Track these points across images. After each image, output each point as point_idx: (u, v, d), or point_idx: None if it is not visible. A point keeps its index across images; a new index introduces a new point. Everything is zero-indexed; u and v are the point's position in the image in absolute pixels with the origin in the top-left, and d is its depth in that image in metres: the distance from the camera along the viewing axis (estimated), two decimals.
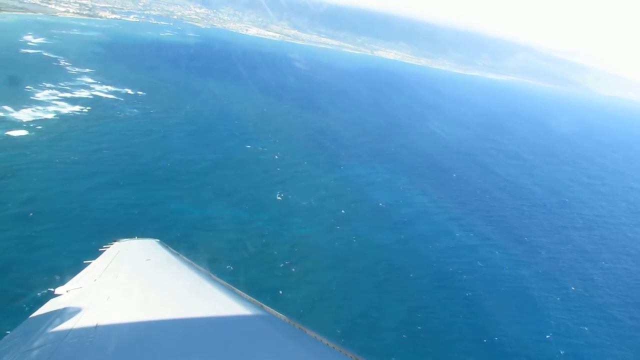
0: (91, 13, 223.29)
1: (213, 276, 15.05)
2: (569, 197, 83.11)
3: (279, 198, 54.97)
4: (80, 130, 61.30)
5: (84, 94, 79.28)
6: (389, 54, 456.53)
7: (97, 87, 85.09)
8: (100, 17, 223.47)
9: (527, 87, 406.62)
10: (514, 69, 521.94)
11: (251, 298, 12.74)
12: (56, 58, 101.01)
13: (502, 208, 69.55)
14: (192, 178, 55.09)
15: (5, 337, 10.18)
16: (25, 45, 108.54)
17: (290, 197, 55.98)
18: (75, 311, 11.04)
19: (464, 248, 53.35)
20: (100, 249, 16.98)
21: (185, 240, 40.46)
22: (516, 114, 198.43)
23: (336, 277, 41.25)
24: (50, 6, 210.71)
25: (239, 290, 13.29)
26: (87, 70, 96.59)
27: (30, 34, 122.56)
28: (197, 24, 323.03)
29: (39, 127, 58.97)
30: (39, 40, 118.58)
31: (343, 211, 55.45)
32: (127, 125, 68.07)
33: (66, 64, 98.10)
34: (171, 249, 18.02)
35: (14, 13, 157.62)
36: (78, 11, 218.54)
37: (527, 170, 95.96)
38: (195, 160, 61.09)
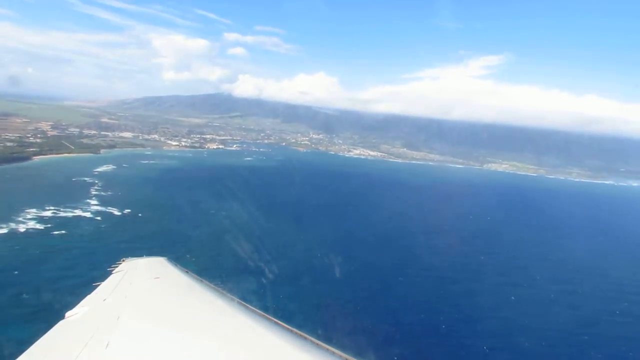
0: (198, 145, 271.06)
1: (223, 292, 15.39)
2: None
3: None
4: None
5: (67, 214, 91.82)
6: (500, 166, 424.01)
7: (89, 208, 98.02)
8: (205, 148, 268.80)
9: None
10: None
11: (263, 313, 12.74)
12: (93, 183, 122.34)
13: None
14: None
15: None
16: (85, 173, 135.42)
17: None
18: (86, 332, 11.13)
19: None
20: (109, 269, 17.70)
21: None
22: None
23: None
24: (168, 141, 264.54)
25: (250, 306, 13.51)
26: (108, 193, 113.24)
27: (106, 165, 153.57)
28: (298, 148, 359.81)
29: None
30: (105, 169, 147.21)
31: None
32: (53, 242, 75.44)
33: (95, 188, 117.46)
34: (180, 266, 18.75)
35: (124, 149, 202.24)
36: (189, 145, 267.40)
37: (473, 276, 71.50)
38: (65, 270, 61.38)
